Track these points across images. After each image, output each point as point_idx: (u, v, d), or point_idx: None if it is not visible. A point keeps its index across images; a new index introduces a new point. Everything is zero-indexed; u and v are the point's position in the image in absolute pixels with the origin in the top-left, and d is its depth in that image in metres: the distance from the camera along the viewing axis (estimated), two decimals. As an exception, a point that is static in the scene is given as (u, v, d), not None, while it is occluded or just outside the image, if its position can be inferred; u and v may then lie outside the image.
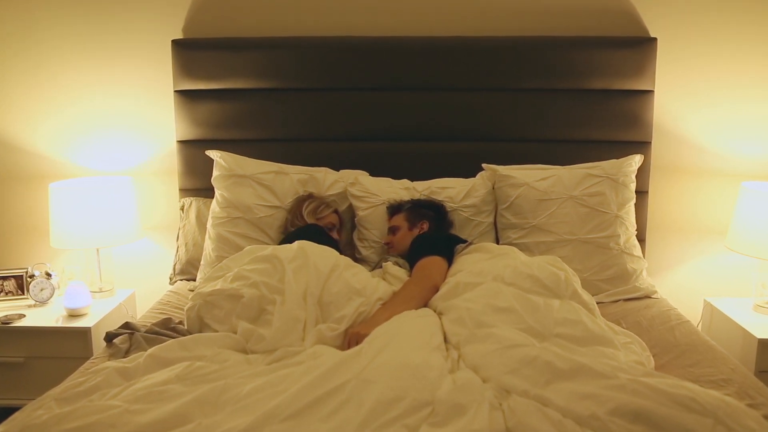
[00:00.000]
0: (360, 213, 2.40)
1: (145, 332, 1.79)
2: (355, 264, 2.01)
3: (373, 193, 2.40)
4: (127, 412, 1.32)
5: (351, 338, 1.71)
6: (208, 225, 2.41)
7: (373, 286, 1.90)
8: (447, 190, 2.41)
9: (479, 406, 1.31)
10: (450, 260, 2.10)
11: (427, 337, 1.61)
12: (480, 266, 1.93)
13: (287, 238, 2.16)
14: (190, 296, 1.91)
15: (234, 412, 1.32)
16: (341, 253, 2.08)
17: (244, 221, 2.35)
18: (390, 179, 2.48)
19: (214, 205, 2.42)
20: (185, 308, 1.87)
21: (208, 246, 2.38)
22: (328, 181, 2.45)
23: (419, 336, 1.60)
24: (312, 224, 2.26)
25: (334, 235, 2.32)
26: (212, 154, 2.46)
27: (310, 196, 2.38)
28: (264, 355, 1.63)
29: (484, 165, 2.45)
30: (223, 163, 2.42)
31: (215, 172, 2.44)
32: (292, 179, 2.42)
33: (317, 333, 1.72)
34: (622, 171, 2.37)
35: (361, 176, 2.45)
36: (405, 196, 2.40)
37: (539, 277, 1.79)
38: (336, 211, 2.39)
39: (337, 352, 1.59)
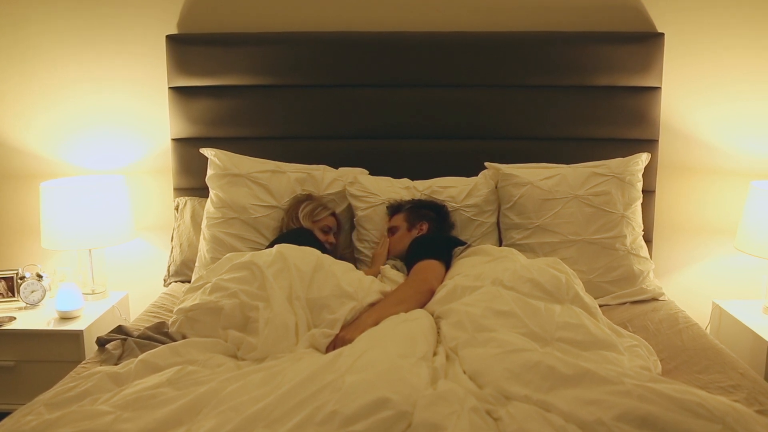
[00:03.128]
0: (359, 213, 2.36)
1: (137, 337, 1.77)
2: (340, 261, 1.96)
3: (373, 192, 2.36)
4: (118, 419, 1.31)
5: (337, 342, 1.68)
6: (203, 225, 2.37)
7: (365, 289, 1.86)
8: (448, 189, 2.37)
9: (458, 419, 1.24)
10: (448, 263, 2.06)
11: (411, 345, 1.55)
12: (479, 269, 1.89)
13: (274, 242, 2.12)
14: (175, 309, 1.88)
15: (217, 416, 1.30)
16: (337, 257, 2.04)
17: (239, 222, 2.30)
18: (390, 178, 2.44)
19: (209, 205, 2.38)
20: (169, 322, 1.85)
21: (203, 247, 2.34)
22: (326, 179, 2.40)
23: (402, 344, 1.55)
24: (301, 228, 2.21)
25: (331, 238, 2.27)
26: (206, 152, 2.42)
27: (308, 197, 2.33)
28: (256, 360, 1.62)
29: (486, 164, 2.42)
30: (218, 161, 2.38)
31: (209, 171, 2.40)
32: (290, 178, 2.37)
33: (310, 338, 1.69)
34: (628, 170, 2.33)
35: (361, 175, 2.42)
36: (405, 195, 2.37)
37: (539, 280, 1.76)
38: (334, 214, 2.34)
39: (319, 357, 1.55)
